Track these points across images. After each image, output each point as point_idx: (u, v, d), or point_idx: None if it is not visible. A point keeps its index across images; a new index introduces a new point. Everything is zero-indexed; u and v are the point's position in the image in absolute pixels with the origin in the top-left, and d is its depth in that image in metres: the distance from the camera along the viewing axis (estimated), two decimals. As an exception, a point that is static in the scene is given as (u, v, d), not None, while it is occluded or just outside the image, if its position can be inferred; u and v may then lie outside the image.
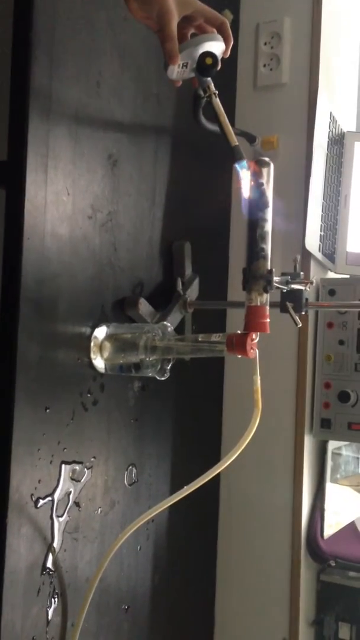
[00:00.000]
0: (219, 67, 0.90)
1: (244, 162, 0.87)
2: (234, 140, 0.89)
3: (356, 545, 1.41)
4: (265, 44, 1.41)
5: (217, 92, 0.91)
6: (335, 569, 1.34)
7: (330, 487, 1.36)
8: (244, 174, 0.86)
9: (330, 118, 1.39)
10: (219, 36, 0.90)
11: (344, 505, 1.43)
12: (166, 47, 0.86)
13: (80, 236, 0.93)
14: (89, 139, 0.95)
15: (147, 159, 1.11)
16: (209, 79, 0.90)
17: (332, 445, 1.38)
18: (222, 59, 0.92)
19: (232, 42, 0.92)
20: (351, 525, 1.45)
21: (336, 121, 1.41)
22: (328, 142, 1.38)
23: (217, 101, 0.91)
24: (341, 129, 1.44)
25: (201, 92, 0.92)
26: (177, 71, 0.89)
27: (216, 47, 0.90)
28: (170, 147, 1.18)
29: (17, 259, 0.82)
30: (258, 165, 0.85)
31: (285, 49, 1.39)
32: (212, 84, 0.91)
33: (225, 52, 0.92)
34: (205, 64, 0.88)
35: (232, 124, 1.41)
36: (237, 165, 0.87)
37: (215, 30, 0.91)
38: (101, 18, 0.97)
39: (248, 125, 1.36)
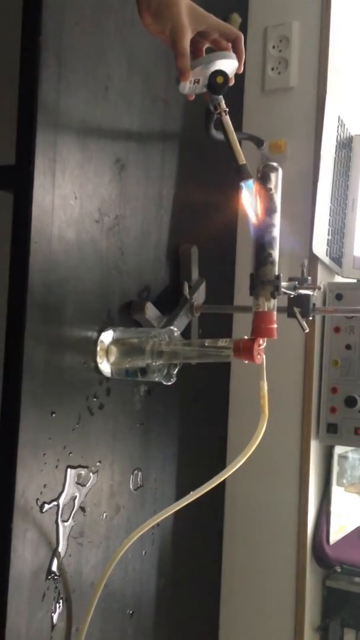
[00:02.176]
0: (231, 84, 0.90)
1: (251, 182, 0.87)
2: (242, 159, 0.89)
3: (362, 551, 1.40)
4: (273, 47, 1.41)
5: (227, 109, 0.91)
6: (341, 575, 1.33)
7: (336, 492, 1.36)
8: (250, 193, 0.86)
9: (339, 122, 1.38)
10: (232, 53, 0.90)
11: (350, 510, 1.42)
12: (178, 64, 0.87)
13: (87, 240, 0.93)
14: (97, 143, 0.95)
15: (155, 163, 1.11)
16: (220, 96, 0.91)
17: (338, 449, 1.37)
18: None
19: (244, 57, 0.91)
20: (357, 531, 1.45)
21: (344, 125, 1.41)
22: (336, 145, 1.37)
23: (227, 119, 0.91)
24: (349, 133, 1.44)
25: (212, 109, 0.92)
26: (188, 87, 0.90)
27: (228, 64, 0.90)
28: (178, 151, 1.18)
29: (24, 263, 0.81)
30: (264, 172, 0.85)
31: (294, 53, 1.38)
32: (223, 102, 0.91)
33: (238, 67, 0.92)
34: (216, 82, 0.89)
35: (240, 127, 1.41)
36: (243, 184, 0.87)
37: (229, 46, 0.91)
38: (110, 22, 0.97)
39: (256, 129, 1.36)
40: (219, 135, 0.95)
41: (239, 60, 0.91)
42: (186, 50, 0.86)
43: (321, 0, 1.37)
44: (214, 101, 0.91)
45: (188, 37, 0.86)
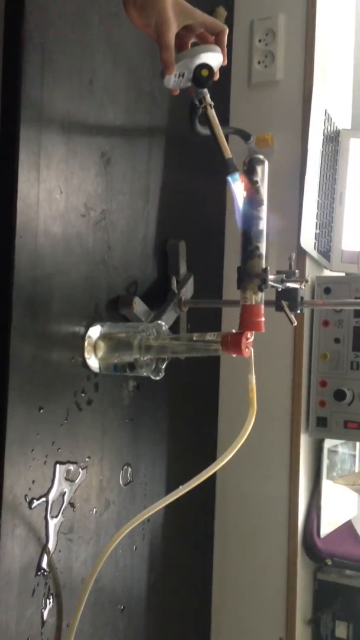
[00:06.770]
0: (216, 78, 0.90)
1: (237, 175, 0.87)
2: (228, 152, 0.89)
3: (353, 544, 1.41)
4: (259, 40, 1.40)
5: (212, 103, 0.91)
6: (332, 568, 1.34)
7: (326, 485, 1.36)
8: (237, 186, 0.86)
9: (325, 115, 1.38)
10: (217, 47, 0.90)
11: (340, 503, 1.43)
12: (162, 57, 0.87)
13: (73, 234, 0.92)
14: (82, 137, 0.94)
15: (141, 157, 1.10)
16: (205, 90, 0.90)
17: (328, 443, 1.38)
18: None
19: (225, 51, 0.91)
20: (348, 524, 1.45)
21: (331, 118, 1.41)
22: (323, 139, 1.37)
23: (212, 112, 0.91)
24: (336, 127, 1.44)
25: (197, 102, 0.92)
26: (173, 81, 0.89)
27: (213, 58, 0.90)
28: (164, 145, 1.17)
29: (10, 258, 0.81)
30: (250, 165, 0.85)
31: (280, 46, 1.38)
32: (208, 95, 0.91)
33: (222, 60, 0.91)
34: (201, 75, 0.89)
35: (227, 121, 1.41)
36: (229, 178, 0.87)
37: (214, 39, 0.91)
38: (94, 15, 0.96)
39: (242, 123, 1.35)
40: (204, 131, 0.95)
41: (222, 53, 0.91)
42: (171, 43, 0.86)
43: (307, -7, 1.37)
44: (199, 95, 0.91)
45: (173, 30, 0.86)
